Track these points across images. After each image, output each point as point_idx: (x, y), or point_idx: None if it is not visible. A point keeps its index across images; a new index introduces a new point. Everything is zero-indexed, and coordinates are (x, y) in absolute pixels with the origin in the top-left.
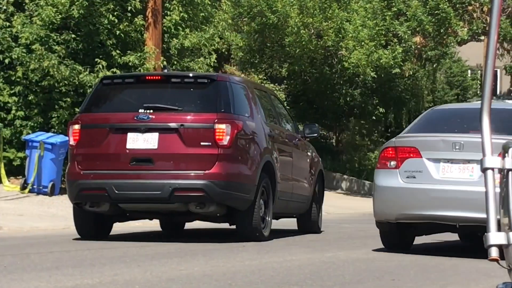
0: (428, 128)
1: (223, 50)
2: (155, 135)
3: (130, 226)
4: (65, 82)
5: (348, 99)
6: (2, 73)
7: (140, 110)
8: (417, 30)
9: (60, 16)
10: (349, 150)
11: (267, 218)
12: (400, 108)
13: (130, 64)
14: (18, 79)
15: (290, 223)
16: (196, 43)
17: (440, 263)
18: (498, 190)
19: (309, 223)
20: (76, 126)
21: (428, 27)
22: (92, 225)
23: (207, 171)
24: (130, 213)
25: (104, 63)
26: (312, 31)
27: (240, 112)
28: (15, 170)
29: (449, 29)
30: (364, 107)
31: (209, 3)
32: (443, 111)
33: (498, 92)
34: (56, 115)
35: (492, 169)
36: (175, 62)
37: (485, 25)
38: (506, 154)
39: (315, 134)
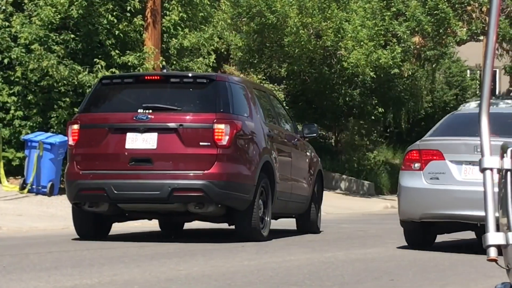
0: (450, 132)
1: (222, 50)
2: (154, 135)
3: (129, 226)
4: (64, 82)
5: (347, 99)
6: (1, 73)
7: (139, 110)
8: (416, 30)
9: (59, 16)
10: (348, 150)
11: (266, 218)
12: (399, 108)
13: (129, 64)
14: (17, 79)
15: (289, 223)
16: (195, 43)
17: (439, 263)
18: (497, 190)
19: (308, 223)
20: (75, 126)
21: (427, 27)
22: (91, 225)
23: (206, 171)
24: (129, 213)
25: (103, 63)
26: (311, 31)
27: (239, 112)
28: (14, 170)
29: (448, 29)
30: (363, 107)
31: (208, 3)
32: (463, 116)
33: (497, 92)
34: (55, 115)
35: (491, 169)
36: (174, 62)
37: (484, 25)
38: (505, 155)
39: (314, 134)
